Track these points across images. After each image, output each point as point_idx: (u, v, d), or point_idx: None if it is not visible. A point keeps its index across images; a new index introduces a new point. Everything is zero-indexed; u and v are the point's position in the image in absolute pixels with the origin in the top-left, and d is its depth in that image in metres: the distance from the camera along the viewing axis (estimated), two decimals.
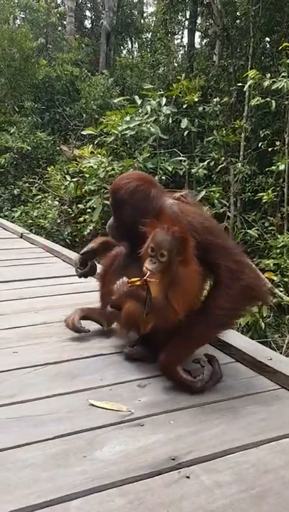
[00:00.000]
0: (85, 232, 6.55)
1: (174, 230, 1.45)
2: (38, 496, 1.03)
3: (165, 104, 5.37)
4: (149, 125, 5.51)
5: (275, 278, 5.25)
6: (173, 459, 1.18)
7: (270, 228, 7.83)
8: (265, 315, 4.49)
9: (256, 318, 4.28)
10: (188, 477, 1.12)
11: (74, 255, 3.55)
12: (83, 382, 1.57)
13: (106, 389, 1.53)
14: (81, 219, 6.83)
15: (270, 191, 6.77)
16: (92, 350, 1.83)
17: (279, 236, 6.99)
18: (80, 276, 2.08)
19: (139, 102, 5.47)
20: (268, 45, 10.97)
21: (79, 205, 7.07)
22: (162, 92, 5.72)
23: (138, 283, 1.45)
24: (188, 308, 1.51)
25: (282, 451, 1.24)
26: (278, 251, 6.74)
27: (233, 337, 1.91)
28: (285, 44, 6.73)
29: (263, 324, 4.34)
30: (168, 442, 1.25)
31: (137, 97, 5.54)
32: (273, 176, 7.90)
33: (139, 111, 5.57)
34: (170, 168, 5.27)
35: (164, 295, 1.47)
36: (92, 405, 1.41)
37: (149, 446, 1.23)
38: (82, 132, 6.85)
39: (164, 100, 5.38)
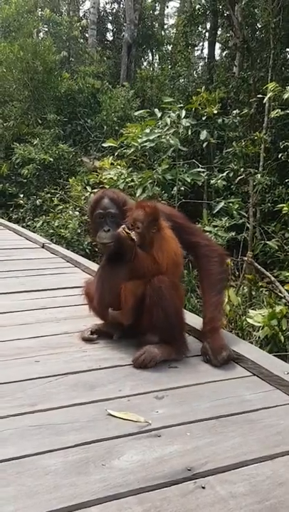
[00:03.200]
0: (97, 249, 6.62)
1: (145, 208, 1.93)
2: (58, 502, 1.07)
3: (185, 117, 5.43)
4: (168, 137, 5.57)
5: None
6: (189, 470, 1.21)
7: None
8: (284, 328, 4.45)
9: (276, 331, 4.25)
10: (203, 487, 1.15)
11: (93, 266, 3.63)
12: (102, 392, 1.62)
13: (124, 399, 1.57)
14: None
15: None
16: (111, 360, 1.88)
17: None
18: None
19: (159, 114, 5.54)
20: (288, 57, 10.98)
21: None
22: (182, 105, 5.78)
23: (126, 231, 1.89)
24: (168, 261, 1.92)
25: None
26: None
27: (250, 351, 1.94)
28: None
29: (282, 338, 4.30)
30: (184, 453, 1.28)
31: (156, 110, 5.61)
32: None
33: (159, 123, 5.63)
34: (189, 180, 5.31)
35: (148, 254, 1.92)
36: (111, 415, 1.45)
37: (165, 457, 1.26)
38: (103, 144, 6.96)
39: (183, 113, 5.44)
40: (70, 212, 7.36)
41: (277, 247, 7.03)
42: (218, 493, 1.13)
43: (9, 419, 1.42)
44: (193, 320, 2.21)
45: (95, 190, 6.60)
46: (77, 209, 7.62)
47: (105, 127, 10.66)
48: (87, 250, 6.92)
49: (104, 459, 1.24)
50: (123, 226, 1.91)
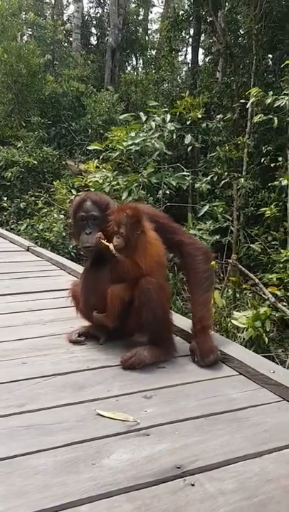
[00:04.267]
0: (81, 252, 6.61)
1: (127, 210, 1.91)
2: (49, 501, 1.07)
3: (170, 121, 5.47)
4: (153, 141, 5.60)
5: (278, 293, 5.27)
6: (178, 468, 1.22)
7: (273, 243, 7.88)
8: (268, 329, 4.50)
9: (260, 333, 4.30)
10: (192, 485, 1.16)
11: (79, 268, 3.62)
12: (90, 393, 1.62)
13: (113, 400, 1.58)
14: None
15: (273, 206, 6.83)
16: (99, 362, 1.88)
17: (282, 251, 7.04)
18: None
19: (144, 118, 5.57)
20: (271, 63, 11.14)
21: None
22: (167, 109, 5.82)
23: (104, 243, 1.92)
24: (151, 264, 1.92)
25: (284, 461, 1.28)
26: (281, 265, 6.78)
27: (236, 350, 1.97)
28: (287, 62, 6.87)
29: (266, 339, 4.35)
30: (173, 451, 1.29)
31: (142, 114, 5.64)
32: (276, 191, 7.98)
33: (144, 127, 5.66)
34: (174, 183, 5.34)
35: (131, 258, 1.91)
36: (100, 415, 1.46)
37: (154, 455, 1.27)
38: (88, 147, 6.96)
39: (168, 117, 5.48)
40: (55, 215, 7.34)
41: (260, 250, 7.11)
42: (207, 490, 1.15)
43: None
44: (180, 321, 2.23)
45: (80, 194, 6.61)
46: (62, 212, 7.59)
47: (90, 130, 10.66)
48: (72, 253, 6.90)
49: (93, 458, 1.24)
50: (99, 234, 1.94)
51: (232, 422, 1.47)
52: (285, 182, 6.78)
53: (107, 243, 1.90)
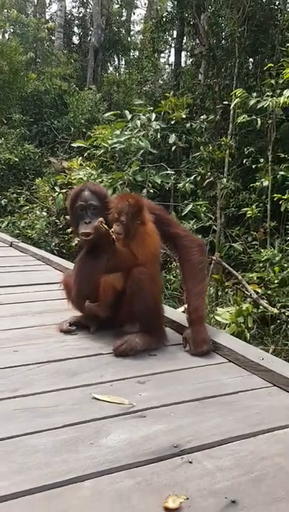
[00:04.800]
0: (73, 244, 6.60)
1: (129, 199, 1.94)
2: (51, 477, 1.08)
3: (154, 120, 5.51)
4: (138, 139, 5.63)
5: (259, 290, 5.37)
6: (175, 447, 1.24)
7: (253, 243, 8.01)
8: (250, 326, 4.57)
9: (242, 329, 4.36)
10: (190, 462, 1.19)
11: (65, 263, 3.62)
12: (84, 378, 1.63)
13: (107, 385, 1.59)
14: (69, 230, 6.88)
15: (254, 207, 6.94)
16: (91, 350, 1.90)
17: (262, 250, 7.16)
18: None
19: (129, 116, 5.59)
20: (252, 66, 11.31)
21: (67, 217, 7.11)
22: (152, 108, 5.87)
23: (105, 227, 1.90)
24: (147, 256, 1.95)
25: (277, 441, 1.32)
26: (261, 265, 6.90)
27: (226, 339, 2.01)
28: (269, 65, 7.00)
29: (248, 335, 4.42)
30: (169, 432, 1.32)
31: (127, 112, 5.67)
32: (256, 192, 8.12)
33: (129, 125, 5.69)
34: (159, 181, 5.38)
35: (128, 247, 1.93)
36: (95, 398, 1.47)
37: (151, 435, 1.29)
38: (73, 145, 6.94)
39: (153, 116, 5.52)
40: (38, 212, 7.29)
41: (241, 250, 7.21)
42: (205, 467, 1.17)
43: None
44: (170, 312, 2.26)
45: (64, 191, 6.58)
46: (45, 210, 7.54)
47: (72, 129, 10.63)
48: (54, 251, 6.84)
49: (92, 438, 1.25)
50: (100, 219, 1.93)
51: (224, 405, 1.50)
52: (266, 183, 6.91)
53: (107, 228, 1.90)
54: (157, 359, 1.86)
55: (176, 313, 2.30)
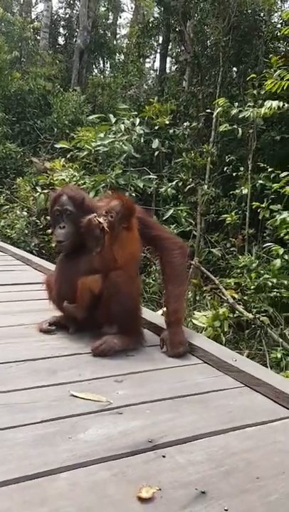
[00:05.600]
0: (53, 244, 6.60)
1: (124, 201, 2.00)
2: (30, 469, 1.12)
3: (138, 124, 5.58)
4: (121, 143, 5.69)
5: (236, 295, 5.48)
6: (150, 441, 1.30)
7: (231, 249, 8.15)
8: (226, 330, 4.67)
9: (218, 333, 4.46)
10: (164, 456, 1.25)
11: (45, 263, 3.65)
12: (63, 376, 1.67)
13: (85, 383, 1.64)
14: (49, 231, 6.88)
15: (233, 213, 7.07)
16: (70, 349, 1.94)
17: (240, 257, 7.29)
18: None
19: (113, 120, 5.65)
20: (235, 75, 11.50)
21: (47, 217, 7.12)
22: (136, 113, 5.94)
23: (97, 219, 1.90)
24: (126, 259, 1.98)
25: (247, 437, 1.39)
26: (238, 271, 7.03)
27: (201, 341, 2.08)
28: (252, 75, 7.16)
29: (223, 339, 4.51)
30: (145, 428, 1.37)
31: (111, 116, 5.72)
32: (236, 200, 8.27)
33: (113, 129, 5.74)
34: (141, 185, 5.45)
35: (109, 248, 1.94)
36: (74, 396, 1.52)
37: (128, 431, 1.35)
38: (56, 145, 6.96)
39: (137, 120, 5.59)
40: (18, 212, 7.27)
41: (220, 255, 7.33)
42: (177, 461, 1.23)
43: None
44: (148, 314, 2.32)
45: (46, 191, 6.59)
46: (25, 209, 7.53)
47: (56, 130, 10.62)
48: (34, 252, 6.84)
49: (70, 433, 1.30)
50: (94, 214, 1.94)
51: (199, 403, 1.56)
52: (245, 191, 7.05)
53: (101, 220, 1.91)
54: (135, 359, 1.91)
55: (154, 316, 2.36)
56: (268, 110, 5.37)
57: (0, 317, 2.33)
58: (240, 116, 5.86)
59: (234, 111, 5.85)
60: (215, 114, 6.43)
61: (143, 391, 1.61)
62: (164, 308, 2.20)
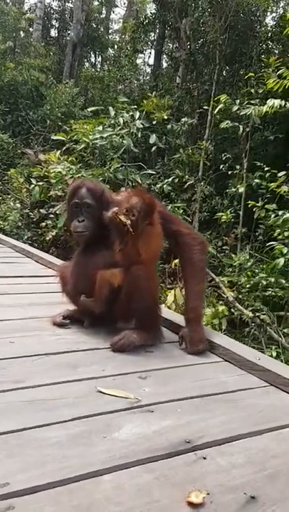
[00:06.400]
0: (47, 238, 6.49)
1: (145, 198, 1.88)
2: (70, 471, 1.05)
3: (138, 118, 5.50)
4: (119, 137, 5.61)
5: (232, 293, 5.46)
6: (188, 442, 1.24)
7: (223, 247, 8.14)
8: (224, 327, 4.65)
9: (216, 330, 4.42)
10: (205, 458, 1.18)
11: (47, 256, 3.56)
12: (86, 371, 1.60)
13: (109, 378, 1.57)
14: (43, 224, 6.77)
15: (228, 212, 7.05)
16: (88, 344, 1.87)
17: (233, 255, 7.28)
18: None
19: (112, 113, 5.56)
20: (226, 74, 11.45)
21: (41, 210, 7.00)
22: (135, 106, 5.85)
23: (121, 218, 1.81)
24: (149, 255, 1.92)
25: (284, 439, 1.33)
26: (231, 269, 7.02)
27: (221, 339, 2.02)
28: (250, 74, 7.15)
29: None
30: (179, 427, 1.31)
31: (111, 108, 5.63)
32: (228, 198, 8.26)
33: (111, 122, 5.65)
34: (139, 180, 5.38)
35: (133, 244, 1.86)
36: (101, 392, 1.45)
37: (162, 430, 1.28)
38: (53, 137, 6.83)
39: (137, 114, 5.52)
40: (11, 203, 7.12)
41: (215, 253, 7.31)
42: (219, 463, 1.17)
43: None
44: (164, 311, 2.26)
45: (41, 183, 6.47)
46: (18, 201, 7.38)
47: (48, 121, 10.46)
48: (26, 244, 6.71)
49: (104, 432, 1.23)
50: (115, 209, 1.86)
51: (228, 402, 1.51)
52: (241, 189, 7.03)
53: (124, 219, 1.82)
54: (154, 356, 1.85)
55: (170, 312, 2.30)
56: (270, 109, 5.34)
57: (9, 309, 2.25)
58: (241, 113, 5.82)
59: (235, 108, 5.81)
60: (216, 110, 6.37)
61: (168, 389, 1.55)
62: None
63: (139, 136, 6.23)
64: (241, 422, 1.39)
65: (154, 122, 6.54)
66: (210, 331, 2.15)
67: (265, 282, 5.79)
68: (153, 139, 6.32)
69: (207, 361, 1.86)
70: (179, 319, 2.14)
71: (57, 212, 6.15)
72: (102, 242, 1.96)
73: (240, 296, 6.19)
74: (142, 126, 5.53)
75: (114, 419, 1.31)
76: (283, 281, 5.17)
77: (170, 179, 6.59)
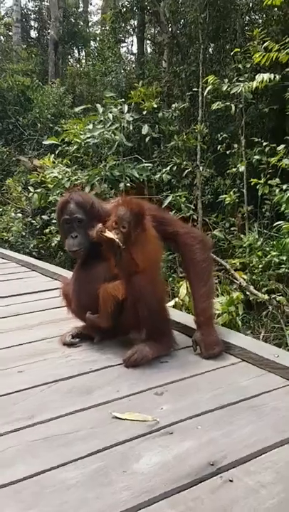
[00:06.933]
0: (53, 244, 6.44)
1: (132, 207, 1.80)
2: None
3: (127, 112, 5.39)
4: (110, 132, 5.50)
5: (245, 276, 5.36)
6: (212, 465, 1.18)
7: (231, 229, 8.01)
8: (240, 313, 4.56)
9: (233, 317, 4.34)
10: (231, 481, 1.12)
11: (52, 268, 3.50)
12: (100, 395, 1.54)
13: (125, 400, 1.51)
14: (47, 230, 6.71)
15: (232, 193, 6.92)
16: (99, 362, 1.81)
17: (242, 236, 7.16)
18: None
19: (100, 110, 5.44)
20: (212, 51, 11.19)
21: (43, 217, 6.94)
22: (123, 100, 5.72)
23: (107, 236, 1.76)
24: (148, 262, 1.83)
25: None
26: (241, 250, 6.91)
27: (236, 338, 1.95)
28: (236, 49, 6.94)
29: (239, 322, 4.40)
30: (201, 448, 1.25)
31: (98, 105, 5.51)
32: (230, 178, 8.10)
33: (101, 119, 5.53)
34: (137, 175, 5.28)
35: (128, 254, 1.78)
36: (116, 418, 1.39)
37: (183, 454, 1.22)
38: (44, 142, 6.75)
39: (126, 107, 5.40)
40: (12, 214, 7.06)
41: (223, 237, 7.19)
42: (247, 484, 1.11)
43: (9, 436, 1.31)
44: (174, 314, 2.19)
45: (38, 190, 6.39)
46: (19, 211, 7.33)
47: (39, 125, 10.35)
48: (33, 253, 6.67)
49: (122, 465, 1.18)
50: (99, 227, 1.80)
51: (251, 410, 1.44)
52: (242, 168, 6.88)
53: (111, 235, 1.76)
54: (169, 366, 1.78)
55: (180, 315, 2.23)
56: (260, 83, 5.18)
57: (17, 333, 2.19)
58: (231, 92, 5.66)
59: (225, 87, 5.65)
60: (206, 92, 6.21)
61: (187, 403, 1.49)
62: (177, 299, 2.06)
63: (131, 128, 6.12)
64: (265, 432, 1.32)
65: (144, 112, 6.40)
66: (223, 330, 2.07)
67: (277, 260, 5.69)
68: (145, 129, 6.19)
69: (224, 364, 1.79)
70: (191, 321, 2.06)
71: None
72: (99, 256, 1.89)
73: (253, 277, 6.10)
74: (131, 118, 5.40)
75: (133, 448, 1.25)
76: None
77: (168, 168, 6.45)
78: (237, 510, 1.02)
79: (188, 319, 2.12)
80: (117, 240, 1.75)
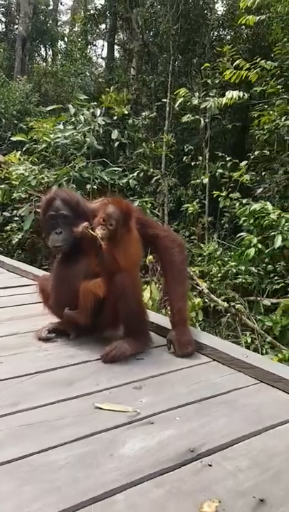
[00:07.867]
0: (14, 241, 6.37)
1: (122, 206, 1.87)
2: (83, 494, 1.06)
3: (100, 115, 5.46)
4: (81, 134, 5.55)
5: (205, 284, 5.54)
6: (192, 451, 1.26)
7: (191, 237, 8.23)
8: (200, 319, 4.72)
9: (193, 322, 4.49)
10: (210, 465, 1.22)
11: (20, 265, 3.50)
12: (80, 387, 1.60)
13: (105, 392, 1.57)
14: (7, 227, 6.63)
15: (195, 203, 7.12)
16: (78, 357, 1.86)
17: (202, 245, 7.39)
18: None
19: (72, 111, 5.47)
20: (179, 63, 11.47)
21: (4, 213, 6.84)
22: (96, 103, 5.79)
23: (92, 232, 1.82)
24: (130, 262, 1.90)
25: (281, 436, 1.38)
26: (200, 259, 7.13)
27: (208, 339, 2.06)
28: (206, 64, 7.19)
29: (198, 328, 4.55)
30: (181, 436, 1.33)
31: (70, 106, 5.54)
32: (193, 188, 8.34)
33: (72, 120, 5.57)
34: (107, 178, 5.34)
35: (111, 253, 1.84)
36: (99, 408, 1.45)
37: (165, 441, 1.30)
38: (12, 138, 6.67)
39: (98, 111, 5.46)
40: None
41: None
42: (225, 468, 1.21)
43: None
44: (150, 315, 2.27)
45: (2, 187, 6.31)
46: None
47: (4, 120, 10.20)
48: None
49: (109, 449, 1.24)
50: (85, 224, 1.86)
51: (223, 404, 1.54)
52: (205, 180, 7.12)
53: (95, 232, 1.82)
54: (145, 363, 1.86)
55: (156, 316, 2.31)
56: (229, 100, 5.40)
57: None
58: (201, 106, 5.86)
59: (195, 101, 5.84)
60: (177, 104, 6.39)
61: (165, 396, 1.57)
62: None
63: (101, 132, 6.19)
64: (239, 424, 1.43)
65: (114, 118, 6.49)
66: (195, 331, 2.18)
67: (234, 270, 5.93)
68: (115, 134, 6.29)
69: (197, 363, 1.89)
70: (165, 322, 2.16)
71: (22, 214, 6.03)
72: (81, 253, 1.94)
73: (212, 286, 6.31)
74: (103, 122, 5.47)
75: (117, 435, 1.32)
76: (253, 269, 5.29)
77: (135, 174, 6.56)
78: (216, 489, 1.11)
79: (162, 320, 2.21)
80: (100, 239, 1.81)
